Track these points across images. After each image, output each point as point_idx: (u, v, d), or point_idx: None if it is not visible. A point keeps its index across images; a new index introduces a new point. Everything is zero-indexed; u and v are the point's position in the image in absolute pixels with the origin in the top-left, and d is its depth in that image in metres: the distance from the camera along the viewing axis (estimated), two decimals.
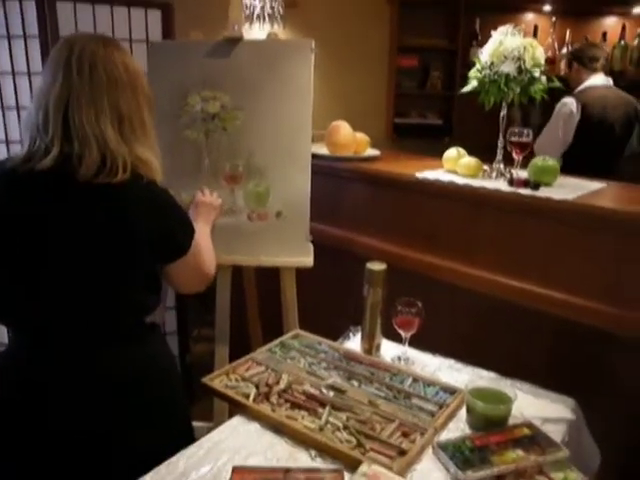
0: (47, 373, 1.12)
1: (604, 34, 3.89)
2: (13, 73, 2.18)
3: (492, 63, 1.68)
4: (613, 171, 2.63)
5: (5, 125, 2.24)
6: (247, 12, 2.99)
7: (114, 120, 1.11)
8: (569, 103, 2.74)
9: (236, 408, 1.23)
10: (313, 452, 1.08)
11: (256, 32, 3.11)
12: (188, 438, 1.20)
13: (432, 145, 2.65)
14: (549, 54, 3.81)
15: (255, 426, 1.16)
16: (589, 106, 2.74)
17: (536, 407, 1.26)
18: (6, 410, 1.15)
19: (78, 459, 1.13)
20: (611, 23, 3.99)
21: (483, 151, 1.92)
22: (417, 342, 1.45)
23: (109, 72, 1.11)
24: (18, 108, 2.21)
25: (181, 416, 1.31)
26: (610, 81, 2.88)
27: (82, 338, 1.14)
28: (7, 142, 2.25)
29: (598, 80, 2.83)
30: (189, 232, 1.26)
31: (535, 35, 3.83)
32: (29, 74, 2.17)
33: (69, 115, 1.08)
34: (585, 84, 2.84)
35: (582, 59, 2.87)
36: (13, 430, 1.14)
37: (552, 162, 1.73)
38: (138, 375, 1.18)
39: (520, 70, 1.65)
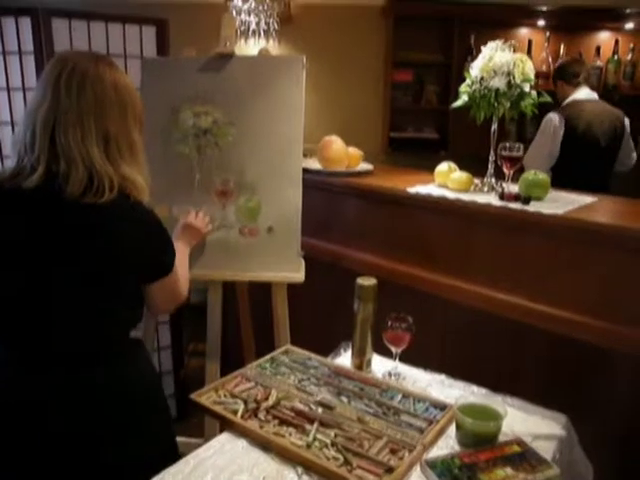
0: (32, 388, 1.12)
1: (597, 49, 3.92)
2: (8, 89, 2.20)
3: (482, 78, 1.70)
4: (605, 186, 2.65)
5: (0, 140, 2.24)
6: (242, 28, 3.02)
7: (100, 140, 1.12)
8: (553, 118, 2.78)
9: (224, 424, 1.22)
10: (300, 469, 1.07)
11: (251, 48, 3.14)
12: (172, 453, 1.21)
13: (428, 159, 2.67)
14: (543, 68, 3.84)
15: (243, 443, 1.15)
16: (573, 119, 2.77)
17: (527, 423, 1.25)
18: None
19: (65, 471, 1.13)
20: (605, 38, 4.01)
21: (479, 165, 1.93)
22: (409, 357, 1.45)
23: (98, 92, 1.12)
24: (12, 124, 2.22)
25: (164, 431, 1.30)
26: (595, 95, 2.92)
27: (66, 352, 1.14)
28: (2, 157, 2.26)
29: (582, 94, 2.87)
30: (171, 254, 1.27)
31: (529, 50, 3.85)
32: (24, 90, 2.18)
33: (56, 135, 1.09)
34: (569, 99, 2.88)
35: (564, 75, 2.92)
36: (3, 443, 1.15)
37: (543, 176, 1.73)
38: (122, 390, 1.18)
39: (510, 85, 1.67)
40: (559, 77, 2.96)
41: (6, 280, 1.11)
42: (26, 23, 2.11)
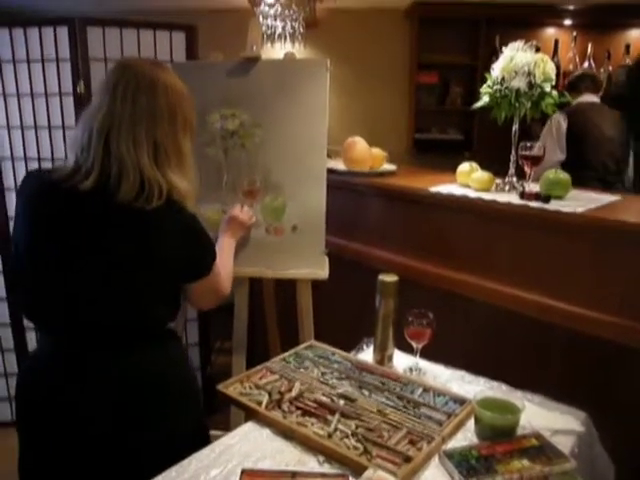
0: (68, 374, 1.19)
1: (627, 47, 3.87)
2: (46, 94, 2.30)
3: (503, 78, 1.71)
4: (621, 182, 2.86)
5: (38, 143, 2.35)
6: (269, 32, 3.08)
7: (150, 148, 1.18)
8: (556, 116, 2.95)
9: (249, 415, 1.26)
10: (321, 458, 1.11)
11: (278, 52, 3.20)
12: (202, 436, 1.27)
13: (452, 160, 2.69)
14: (570, 68, 3.81)
15: (266, 432, 1.19)
16: (574, 114, 3.00)
17: (546, 419, 1.26)
18: (31, 409, 1.23)
19: (99, 454, 1.18)
20: (634, 36, 3.95)
21: (504, 165, 1.94)
22: (430, 354, 1.47)
23: (150, 101, 1.19)
24: (50, 127, 2.32)
25: (196, 416, 1.35)
26: (596, 99, 3.13)
27: (104, 342, 1.20)
28: (39, 159, 2.36)
29: (584, 98, 3.10)
30: (212, 257, 1.33)
31: (556, 50, 3.83)
32: (60, 95, 2.28)
33: (110, 141, 1.16)
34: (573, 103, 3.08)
35: (570, 87, 3.16)
36: (37, 426, 1.22)
37: (564, 175, 1.74)
38: (156, 376, 1.24)
39: (531, 85, 1.68)
40: (568, 89, 3.17)
41: (52, 272, 1.18)
42: (63, 32, 2.21)
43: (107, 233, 1.16)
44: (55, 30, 2.23)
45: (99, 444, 1.18)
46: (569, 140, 2.95)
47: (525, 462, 1.08)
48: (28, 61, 2.27)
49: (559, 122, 2.96)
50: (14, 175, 2.37)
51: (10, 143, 2.35)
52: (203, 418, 1.38)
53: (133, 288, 1.18)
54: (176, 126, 1.22)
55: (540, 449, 1.12)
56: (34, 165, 2.35)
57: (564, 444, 1.17)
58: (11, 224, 2.37)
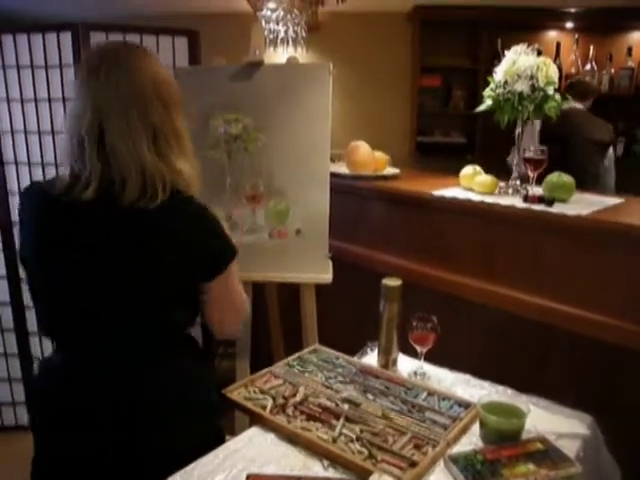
0: (84, 379, 1.17)
1: (629, 49, 3.87)
2: (49, 100, 2.30)
3: (506, 82, 1.72)
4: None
5: (41, 149, 2.35)
6: (271, 36, 3.08)
7: (149, 138, 1.10)
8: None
9: (253, 419, 1.26)
10: (326, 462, 1.10)
11: (280, 56, 3.20)
12: (218, 439, 1.25)
13: (455, 163, 2.71)
14: (572, 71, 3.81)
15: (271, 437, 1.19)
16: (558, 118, 3.02)
17: (551, 422, 1.25)
18: (46, 414, 1.22)
19: (113, 460, 1.17)
20: (637, 38, 3.95)
21: (506, 168, 1.95)
22: (435, 358, 1.47)
23: (135, 83, 1.10)
24: (53, 133, 2.33)
25: (214, 422, 1.32)
26: (580, 105, 3.22)
27: (120, 349, 1.18)
28: (43, 165, 2.37)
29: (570, 104, 3.17)
30: (228, 248, 1.23)
31: (557, 53, 3.83)
32: (64, 101, 2.29)
33: (105, 141, 1.09)
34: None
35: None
36: (52, 432, 1.21)
37: (567, 178, 1.74)
38: (174, 383, 1.21)
39: (533, 88, 1.68)
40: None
41: (59, 282, 1.16)
42: (67, 37, 2.22)
43: (113, 240, 1.12)
44: (58, 36, 2.24)
45: (114, 449, 1.16)
46: (549, 143, 2.98)
47: (531, 466, 1.08)
48: (32, 67, 2.27)
49: (534, 123, 3.01)
50: (18, 180, 2.39)
51: (14, 148, 2.36)
52: (220, 424, 1.35)
53: (147, 293, 1.14)
54: (168, 106, 1.13)
55: (546, 453, 1.12)
56: (37, 170, 2.36)
57: (570, 448, 1.17)
58: (14, 228, 2.38)
